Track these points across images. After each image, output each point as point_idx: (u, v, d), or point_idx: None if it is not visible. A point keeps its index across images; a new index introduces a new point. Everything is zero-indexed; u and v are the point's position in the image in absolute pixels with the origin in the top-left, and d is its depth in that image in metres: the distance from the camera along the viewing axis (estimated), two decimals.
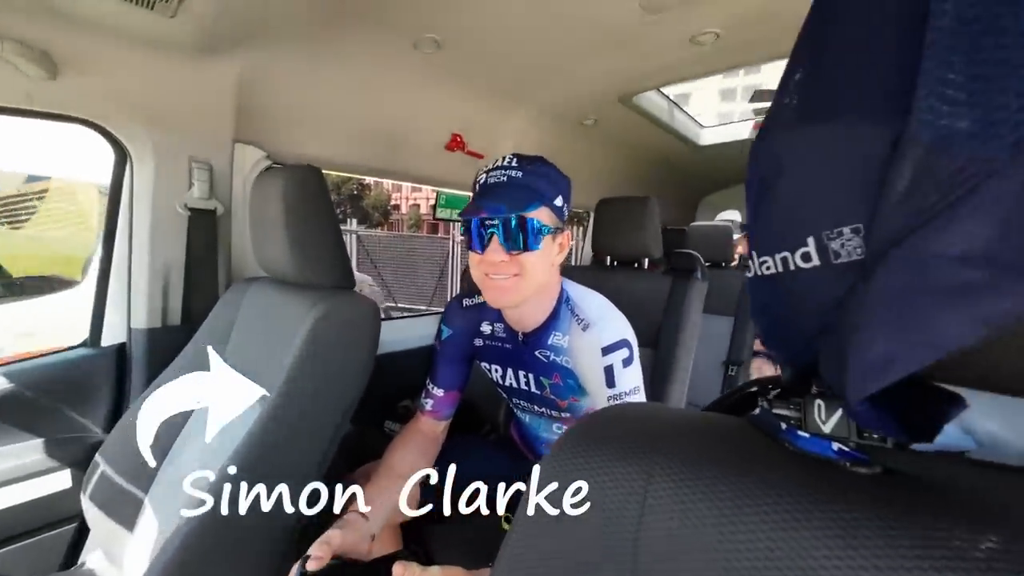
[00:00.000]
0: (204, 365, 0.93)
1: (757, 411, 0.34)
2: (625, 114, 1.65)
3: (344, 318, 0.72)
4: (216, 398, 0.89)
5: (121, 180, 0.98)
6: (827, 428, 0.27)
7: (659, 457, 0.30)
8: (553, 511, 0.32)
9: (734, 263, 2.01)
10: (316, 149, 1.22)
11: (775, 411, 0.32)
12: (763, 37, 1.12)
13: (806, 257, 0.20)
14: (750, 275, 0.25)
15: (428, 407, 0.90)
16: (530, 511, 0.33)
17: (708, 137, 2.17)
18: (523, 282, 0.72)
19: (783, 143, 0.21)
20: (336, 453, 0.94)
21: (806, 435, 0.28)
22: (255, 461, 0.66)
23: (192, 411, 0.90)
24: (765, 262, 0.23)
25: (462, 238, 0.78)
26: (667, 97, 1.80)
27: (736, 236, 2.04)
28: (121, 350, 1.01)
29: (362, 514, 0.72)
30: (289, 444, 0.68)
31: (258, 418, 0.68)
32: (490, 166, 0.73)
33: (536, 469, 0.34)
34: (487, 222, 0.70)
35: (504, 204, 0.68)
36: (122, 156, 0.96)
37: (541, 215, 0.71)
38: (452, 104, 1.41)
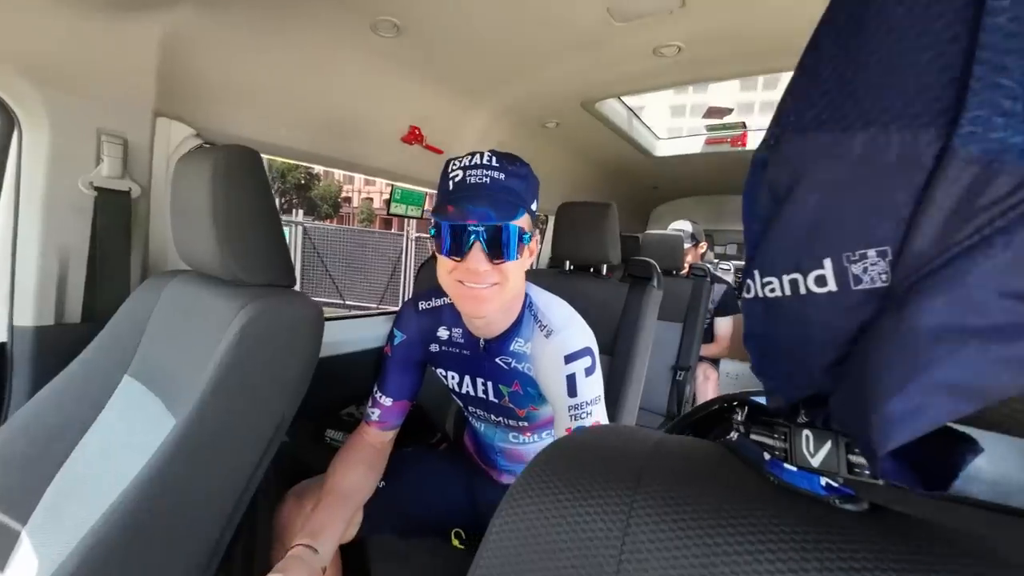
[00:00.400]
0: (109, 369, 0.80)
1: (733, 436, 0.32)
2: (587, 119, 1.65)
3: (279, 321, 0.64)
4: (120, 411, 0.77)
5: (7, 150, 0.82)
6: (815, 461, 0.25)
7: (640, 493, 0.27)
8: (524, 545, 0.28)
9: (684, 271, 2.09)
10: (257, 131, 1.10)
11: (755, 437, 0.31)
12: (723, 55, 1.15)
13: (820, 281, 0.18)
14: (748, 296, 0.23)
15: (374, 417, 0.83)
16: (498, 544, 0.29)
17: (663, 149, 2.25)
18: (502, 291, 0.68)
19: (800, 150, 0.18)
20: (271, 468, 0.84)
21: (793, 469, 0.26)
22: (168, 485, 0.56)
23: (89, 425, 0.77)
24: (769, 283, 0.20)
25: (430, 238, 0.71)
26: (627, 106, 1.83)
27: (686, 245, 2.12)
28: (0, 351, 0.85)
29: (309, 546, 0.65)
30: (209, 467, 0.59)
31: (172, 435, 0.58)
32: (467, 162, 0.67)
33: (505, 499, 0.31)
34: (469, 227, 0.64)
35: (492, 211, 0.63)
36: (8, 121, 0.80)
37: (523, 222, 0.67)
38: (411, 94, 1.34)
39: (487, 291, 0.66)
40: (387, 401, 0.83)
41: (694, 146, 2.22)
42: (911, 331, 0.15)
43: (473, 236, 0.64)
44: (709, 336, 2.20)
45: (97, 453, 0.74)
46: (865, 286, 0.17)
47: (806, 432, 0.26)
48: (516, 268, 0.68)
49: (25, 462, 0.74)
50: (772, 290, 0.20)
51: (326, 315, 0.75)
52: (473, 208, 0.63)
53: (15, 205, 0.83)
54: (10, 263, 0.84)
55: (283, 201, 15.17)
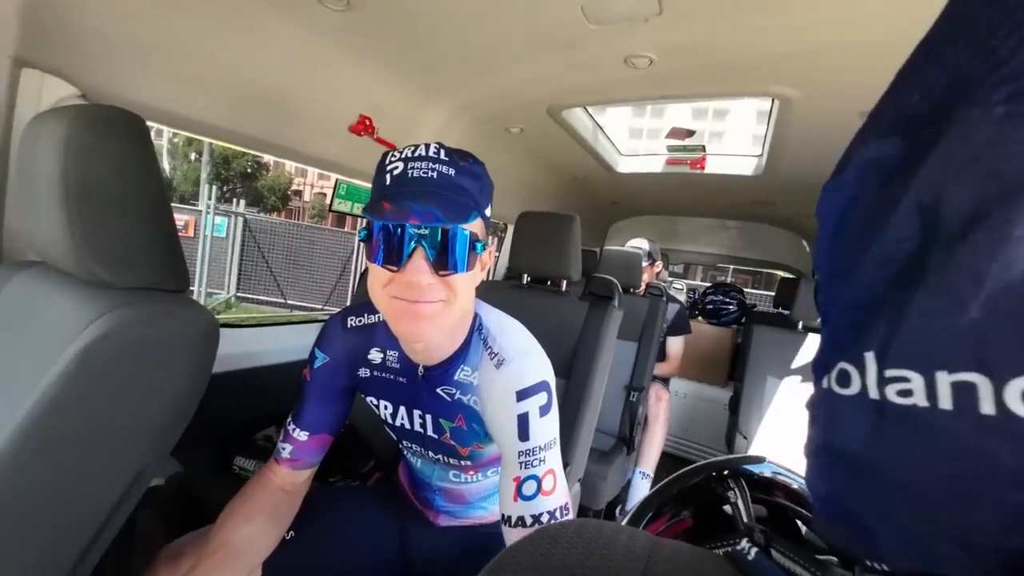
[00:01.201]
0: None
1: (747, 550, 0.23)
2: (552, 128, 1.59)
3: (149, 338, 0.48)
4: None
5: None
6: None
7: None
8: None
9: (640, 290, 2.07)
10: (166, 100, 0.92)
11: (780, 561, 0.22)
12: (693, 71, 1.12)
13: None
14: (841, 390, 0.13)
15: (285, 454, 0.68)
16: None
17: (625, 165, 2.23)
18: (449, 309, 0.55)
19: (1001, 144, 0.09)
20: (147, 516, 0.67)
21: None
22: None
23: None
24: (903, 380, 0.11)
25: (362, 243, 0.58)
26: (592, 118, 1.79)
27: (644, 264, 2.11)
28: None
29: None
30: (30, 520, 0.43)
31: None
32: (409, 153, 0.55)
33: None
34: (410, 229, 0.52)
35: (439, 210, 0.51)
36: None
37: (476, 228, 0.56)
38: (363, 80, 1.20)
39: (430, 308, 0.54)
40: (302, 435, 0.68)
41: (655, 165, 2.22)
42: None
43: (414, 241, 0.52)
44: (661, 355, 2.19)
45: None
46: None
47: None
48: (466, 282, 0.56)
49: None
50: (906, 393, 0.11)
51: (256, 317, 0.60)
52: (416, 206, 0.50)
53: None
54: None
55: (225, 189, 14.07)
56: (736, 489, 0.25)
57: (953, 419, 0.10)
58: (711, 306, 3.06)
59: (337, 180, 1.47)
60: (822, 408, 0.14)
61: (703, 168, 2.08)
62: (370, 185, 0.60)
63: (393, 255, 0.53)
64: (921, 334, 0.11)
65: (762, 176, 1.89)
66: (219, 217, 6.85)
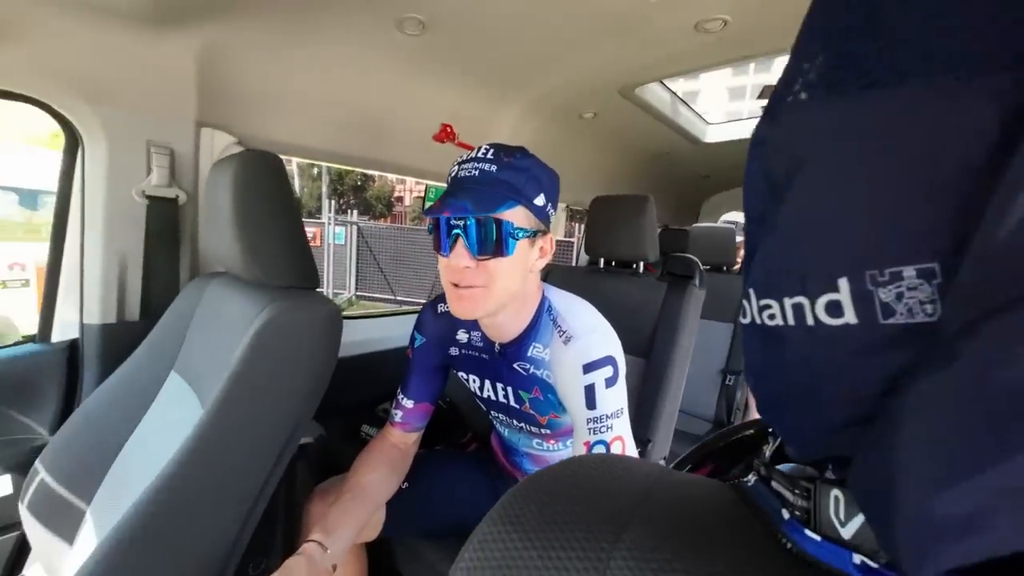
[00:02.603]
0: (158, 364, 0.86)
1: (751, 479, 0.27)
2: (626, 108, 1.56)
3: (293, 325, 0.65)
4: (165, 404, 0.82)
5: (73, 165, 0.90)
6: (846, 533, 0.19)
7: (619, 549, 0.22)
8: None
9: (736, 267, 1.92)
10: (291, 135, 1.14)
11: (775, 487, 0.25)
12: (773, 26, 1.03)
13: (834, 309, 0.13)
14: (744, 320, 0.17)
15: (398, 419, 0.83)
16: (466, 572, 0.26)
17: (714, 134, 2.08)
18: (489, 293, 0.64)
19: (803, 122, 0.13)
20: (303, 465, 0.87)
21: (816, 537, 0.20)
22: (187, 478, 0.59)
23: (141, 417, 0.83)
24: (767, 307, 0.15)
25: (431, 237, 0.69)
26: (671, 91, 1.71)
27: (740, 239, 1.95)
28: (73, 347, 0.94)
29: (320, 543, 0.66)
30: (225, 462, 0.61)
31: (195, 430, 0.61)
32: (464, 157, 0.65)
33: (467, 547, 0.27)
34: (453, 222, 0.62)
35: (469, 202, 0.59)
36: (72, 139, 0.88)
37: (516, 216, 0.63)
38: (441, 92, 1.32)
39: (473, 292, 0.63)
40: (409, 403, 0.82)
41: (748, 130, 2.03)
42: (975, 394, 0.10)
43: (456, 231, 0.62)
44: None
45: (147, 442, 0.80)
46: (899, 320, 0.12)
47: (835, 493, 0.20)
48: (509, 267, 0.63)
49: (90, 448, 0.81)
50: (771, 316, 0.15)
51: (372, 311, 0.75)
52: (453, 201, 0.60)
53: (81, 216, 0.91)
54: (79, 267, 0.92)
55: (341, 202, 16.02)
56: (772, 442, 0.28)
57: (795, 331, 0.14)
58: None
59: (427, 185, 1.63)
60: (743, 338, 0.18)
61: None
62: None
63: (443, 245, 0.64)
64: (771, 270, 0.14)
65: None
66: (338, 227, 7.88)
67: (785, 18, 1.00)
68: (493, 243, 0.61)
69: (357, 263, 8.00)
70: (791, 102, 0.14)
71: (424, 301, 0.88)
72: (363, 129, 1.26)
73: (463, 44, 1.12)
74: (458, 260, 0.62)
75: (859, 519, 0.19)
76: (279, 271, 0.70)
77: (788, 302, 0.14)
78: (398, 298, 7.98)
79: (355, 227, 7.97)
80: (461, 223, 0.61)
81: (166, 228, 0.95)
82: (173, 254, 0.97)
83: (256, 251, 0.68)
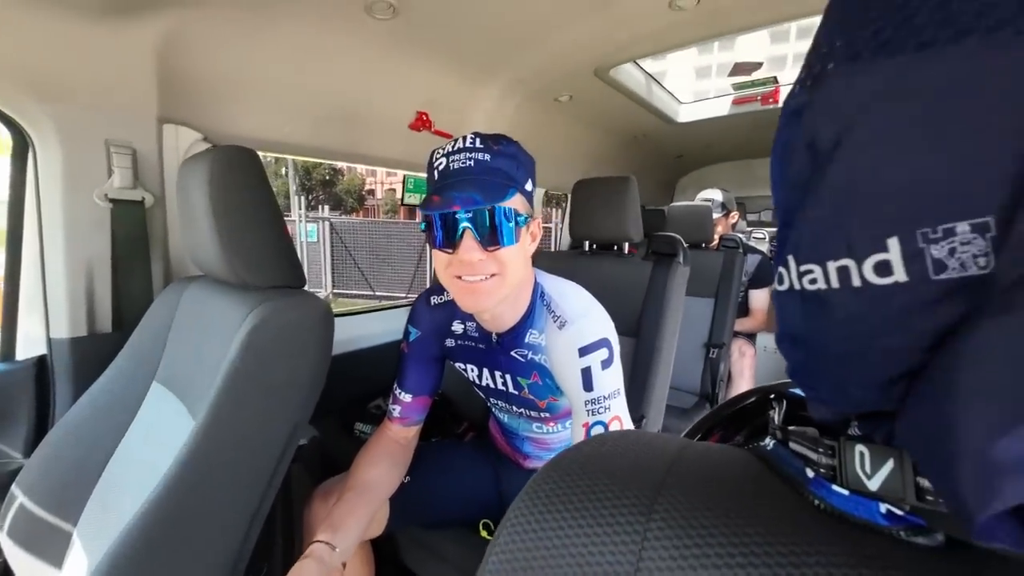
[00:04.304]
0: (139, 375, 0.82)
1: (769, 444, 0.28)
2: (602, 89, 1.56)
3: (285, 325, 0.63)
4: (150, 415, 0.79)
5: (24, 169, 0.84)
6: (873, 484, 0.20)
7: (654, 519, 0.23)
8: (528, 564, 0.25)
9: (714, 244, 1.97)
10: (261, 129, 1.09)
11: (795, 448, 0.26)
12: (746, 2, 1.04)
13: (883, 269, 0.13)
14: (781, 288, 0.18)
15: (396, 414, 0.82)
16: (503, 555, 0.26)
17: (686, 114, 2.10)
18: (503, 281, 0.63)
19: (851, 87, 0.13)
20: (299, 468, 0.85)
21: (844, 492, 0.21)
22: (186, 488, 0.57)
23: (125, 431, 0.79)
24: (809, 272, 0.15)
25: (424, 232, 0.67)
26: (644, 71, 1.71)
27: (716, 216, 2.00)
28: (41, 363, 0.89)
29: (328, 543, 0.65)
30: (226, 469, 0.60)
31: (188, 440, 0.59)
32: (449, 148, 0.63)
33: (504, 524, 0.27)
34: (457, 216, 0.60)
35: (478, 193, 0.58)
36: (22, 141, 0.82)
37: (516, 203, 0.63)
38: (415, 79, 1.29)
39: (485, 284, 0.62)
40: (407, 397, 0.81)
41: (720, 108, 2.06)
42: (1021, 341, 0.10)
43: (464, 224, 0.60)
44: (744, 310, 2.09)
45: (134, 456, 0.77)
46: (952, 274, 0.12)
47: (860, 448, 0.21)
48: (515, 254, 0.64)
49: (72, 467, 0.77)
50: (813, 281, 0.15)
51: (350, 308, 0.74)
52: (458, 194, 0.59)
53: (38, 223, 0.85)
54: (40, 279, 0.87)
55: (310, 198, 15.54)
56: (777, 407, 0.29)
57: (839, 293, 0.14)
58: None
59: (405, 175, 1.60)
60: (778, 305, 0.18)
61: (776, 101, 1.88)
62: None
63: (448, 240, 0.62)
64: (814, 236, 0.15)
65: None
66: (310, 224, 7.65)
67: None
68: (503, 232, 0.61)
69: (332, 260, 7.81)
70: (834, 68, 0.14)
71: (403, 295, 0.86)
72: (336, 120, 1.22)
73: (435, 27, 1.09)
74: (469, 254, 0.61)
75: (885, 471, 0.20)
76: (264, 271, 0.68)
77: (832, 265, 0.14)
78: (377, 293, 7.86)
79: (327, 223, 7.76)
80: (469, 215, 0.60)
81: (134, 232, 0.90)
82: (143, 260, 0.92)
83: (238, 252, 0.65)
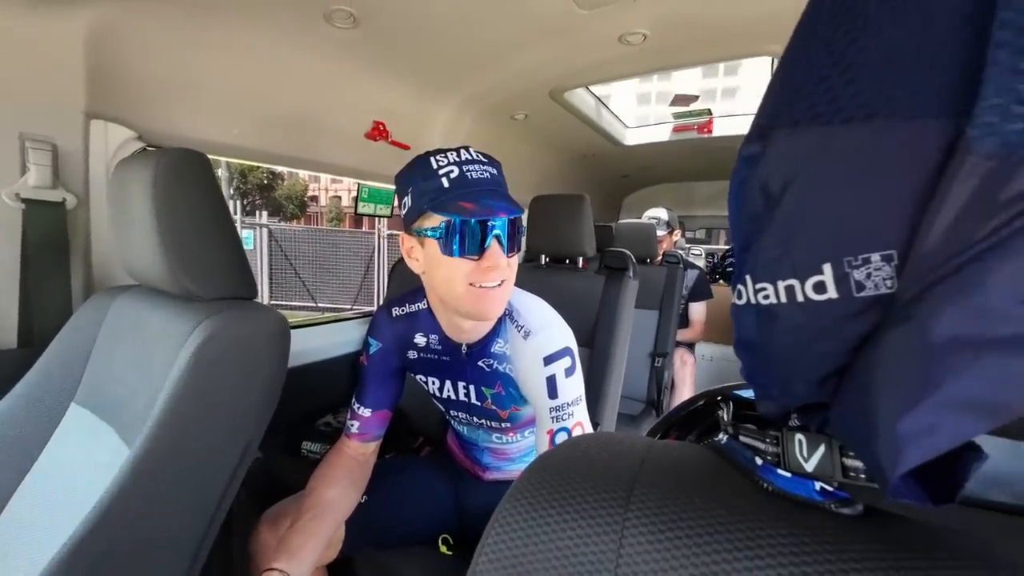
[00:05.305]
0: (53, 397, 0.73)
1: (722, 439, 0.31)
2: (556, 110, 1.63)
3: (238, 339, 0.59)
4: (68, 443, 0.70)
5: None
6: (810, 466, 0.24)
7: (631, 510, 0.26)
8: (516, 562, 0.27)
9: (658, 259, 2.11)
10: (206, 131, 1.03)
11: (745, 441, 0.30)
12: (688, 42, 1.15)
13: (820, 288, 0.17)
14: (739, 302, 0.21)
15: (354, 429, 0.80)
16: (492, 556, 0.27)
17: (632, 137, 2.25)
18: (509, 287, 0.68)
19: (793, 146, 0.17)
20: (242, 490, 0.80)
21: (787, 475, 0.25)
22: (124, 521, 0.52)
23: (34, 461, 0.70)
24: (763, 290, 0.19)
25: (434, 241, 0.64)
26: (595, 95, 1.82)
27: (661, 233, 2.14)
28: None
29: (283, 572, 0.62)
30: (169, 499, 0.55)
31: (125, 468, 0.53)
32: (456, 157, 0.64)
33: (491, 526, 0.29)
34: (488, 223, 0.62)
35: (509, 204, 0.62)
36: None
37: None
38: (373, 89, 1.28)
39: (499, 290, 0.65)
40: (366, 412, 0.79)
41: (662, 134, 2.23)
42: (921, 343, 0.14)
43: (495, 231, 0.63)
44: (684, 321, 2.24)
45: (45, 491, 0.68)
46: (869, 293, 0.16)
47: (799, 436, 0.25)
48: (516, 263, 0.69)
49: None
50: (766, 297, 0.19)
51: (297, 321, 0.71)
52: (494, 203, 0.61)
53: None
54: None
55: (246, 203, 14.55)
56: (725, 408, 0.33)
57: (787, 307, 0.18)
58: (731, 268, 3.05)
59: (359, 184, 1.56)
60: (736, 317, 0.22)
61: (710, 132, 2.08)
62: (389, 187, 0.70)
63: (475, 246, 0.62)
64: (767, 260, 0.18)
65: None
66: (246, 231, 7.15)
67: (696, 36, 1.13)
68: (519, 240, 0.66)
69: (270, 269, 7.34)
70: (781, 129, 0.17)
71: (347, 307, 0.85)
72: (290, 125, 1.18)
73: (395, 40, 1.10)
74: (497, 259, 0.63)
75: (818, 454, 0.25)
76: (215, 282, 0.64)
77: (781, 284, 0.18)
78: (320, 305, 7.48)
79: (266, 230, 7.30)
80: (498, 223, 0.63)
81: (51, 237, 0.81)
82: (62, 268, 0.83)
83: (184, 261, 0.61)
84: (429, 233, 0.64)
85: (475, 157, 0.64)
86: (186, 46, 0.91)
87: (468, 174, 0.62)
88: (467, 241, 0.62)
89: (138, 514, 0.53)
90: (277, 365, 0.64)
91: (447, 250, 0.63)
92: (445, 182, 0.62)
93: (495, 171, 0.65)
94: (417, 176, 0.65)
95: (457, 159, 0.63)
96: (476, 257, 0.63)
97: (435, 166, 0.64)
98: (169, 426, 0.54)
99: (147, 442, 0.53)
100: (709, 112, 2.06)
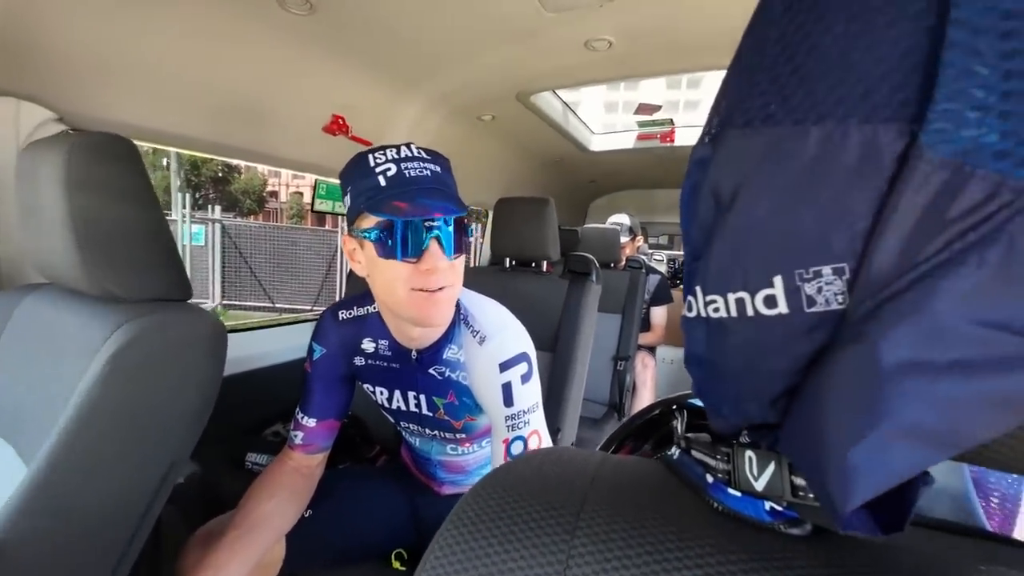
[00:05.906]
0: None
1: (675, 453, 0.30)
2: (523, 113, 1.63)
3: (165, 343, 0.54)
4: None
5: None
6: (759, 486, 0.24)
7: (578, 536, 0.24)
8: None
9: (621, 264, 2.14)
10: (141, 116, 0.94)
11: (696, 456, 0.29)
12: (653, 51, 1.17)
13: (770, 302, 0.15)
14: (689, 315, 0.20)
15: (298, 440, 0.75)
16: None
17: (598, 143, 2.28)
18: (454, 292, 0.63)
19: (744, 148, 0.16)
20: (170, 511, 0.73)
21: (737, 494, 0.24)
22: (24, 552, 0.45)
23: None
24: (713, 302, 0.18)
25: (371, 244, 0.60)
26: (562, 100, 1.83)
27: (624, 239, 2.18)
28: None
29: None
30: (79, 521, 0.49)
31: (22, 489, 0.47)
32: (394, 155, 0.60)
33: (432, 549, 0.26)
34: (427, 223, 0.58)
35: (450, 203, 0.58)
36: None
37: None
38: (332, 80, 1.22)
39: (444, 294, 0.61)
40: (310, 422, 0.74)
41: (627, 142, 2.28)
42: (870, 367, 0.13)
43: (433, 232, 0.59)
44: (646, 325, 2.29)
45: None
46: (819, 308, 0.15)
47: (749, 454, 0.24)
48: (463, 265, 0.65)
49: None
50: (716, 310, 0.17)
51: (245, 323, 0.65)
52: (432, 203, 0.57)
53: None
54: None
55: (198, 196, 13.70)
56: (679, 417, 0.32)
57: (737, 321, 0.17)
58: None
59: (316, 180, 1.49)
60: (686, 330, 0.21)
61: (673, 141, 2.14)
62: None
63: (412, 248, 0.58)
64: (718, 271, 0.17)
65: None
66: (196, 225, 6.73)
67: (661, 46, 1.15)
68: (463, 242, 0.61)
69: (223, 267, 6.93)
70: (732, 129, 0.16)
71: (307, 308, 0.80)
72: (240, 114, 1.10)
73: (355, 31, 1.05)
74: (437, 261, 0.58)
75: (768, 473, 0.24)
76: (140, 283, 0.57)
77: (732, 297, 0.17)
78: (277, 305, 7.13)
79: (219, 225, 6.89)
80: (437, 224, 0.58)
81: None
82: None
83: (103, 258, 0.54)
84: (366, 235, 0.60)
85: (416, 154, 0.60)
86: (119, 23, 0.83)
87: (406, 172, 0.59)
88: (404, 243, 0.58)
89: (40, 539, 0.46)
90: (210, 372, 0.58)
91: (384, 252, 0.59)
92: (382, 180, 0.59)
93: (438, 168, 0.61)
94: (356, 174, 0.61)
95: (396, 156, 0.60)
96: (415, 260, 0.59)
97: (372, 164, 0.60)
98: (76, 442, 0.48)
99: (48, 460, 0.47)
100: (671, 122, 2.12)
